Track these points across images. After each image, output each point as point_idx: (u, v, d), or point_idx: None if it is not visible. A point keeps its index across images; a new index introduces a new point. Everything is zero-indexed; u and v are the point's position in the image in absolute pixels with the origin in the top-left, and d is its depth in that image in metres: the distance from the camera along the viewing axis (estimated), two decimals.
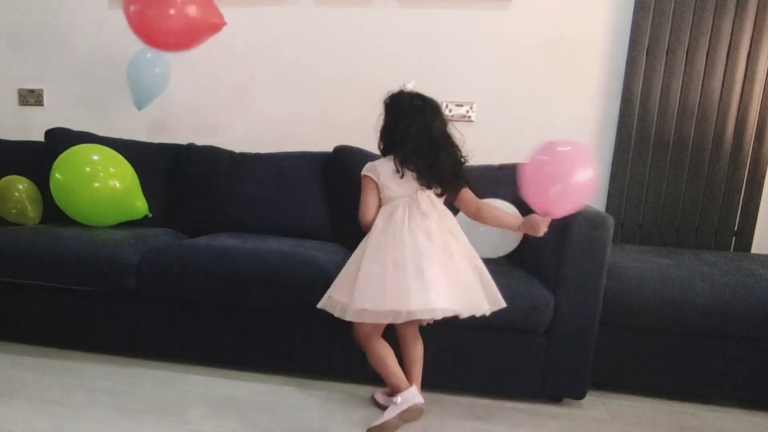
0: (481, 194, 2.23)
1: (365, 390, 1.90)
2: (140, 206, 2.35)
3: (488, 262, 2.04)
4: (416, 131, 1.67)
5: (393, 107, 1.73)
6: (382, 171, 1.69)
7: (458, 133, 1.72)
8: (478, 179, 2.31)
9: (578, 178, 1.56)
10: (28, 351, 2.09)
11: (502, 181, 2.30)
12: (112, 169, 2.26)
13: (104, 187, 2.23)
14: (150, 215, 2.39)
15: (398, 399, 1.59)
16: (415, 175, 1.67)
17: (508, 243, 2.06)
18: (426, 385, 1.88)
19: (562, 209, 1.61)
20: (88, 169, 2.22)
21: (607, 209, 2.47)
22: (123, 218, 2.34)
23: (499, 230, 2.04)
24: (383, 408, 1.70)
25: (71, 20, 2.78)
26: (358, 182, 1.73)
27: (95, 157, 2.25)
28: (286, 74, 2.69)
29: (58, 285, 2.01)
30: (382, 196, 1.70)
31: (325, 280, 1.82)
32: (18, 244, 2.03)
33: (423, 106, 1.70)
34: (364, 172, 1.73)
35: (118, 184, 2.25)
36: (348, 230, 2.34)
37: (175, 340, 2.02)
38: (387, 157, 1.72)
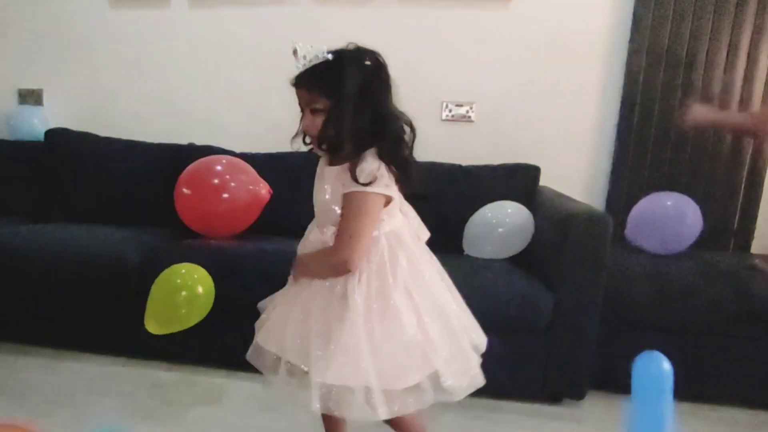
0: (482, 194, 2.25)
1: None
2: None
3: (490, 261, 2.05)
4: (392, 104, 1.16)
5: (372, 71, 1.16)
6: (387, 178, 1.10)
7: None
8: (479, 179, 2.33)
9: None
10: (29, 351, 2.09)
11: (501, 180, 2.31)
12: None
13: None
14: None
15: None
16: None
17: (518, 243, 2.04)
18: None
19: None
20: None
21: (607, 209, 2.46)
22: None
23: (511, 231, 1.98)
24: None
25: (71, 20, 2.77)
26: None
27: None
28: (286, 74, 2.68)
29: (59, 285, 2.01)
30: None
31: None
32: (18, 244, 2.03)
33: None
34: (375, 189, 1.08)
35: None
36: None
37: (175, 341, 2.02)
38: (370, 153, 1.11)
